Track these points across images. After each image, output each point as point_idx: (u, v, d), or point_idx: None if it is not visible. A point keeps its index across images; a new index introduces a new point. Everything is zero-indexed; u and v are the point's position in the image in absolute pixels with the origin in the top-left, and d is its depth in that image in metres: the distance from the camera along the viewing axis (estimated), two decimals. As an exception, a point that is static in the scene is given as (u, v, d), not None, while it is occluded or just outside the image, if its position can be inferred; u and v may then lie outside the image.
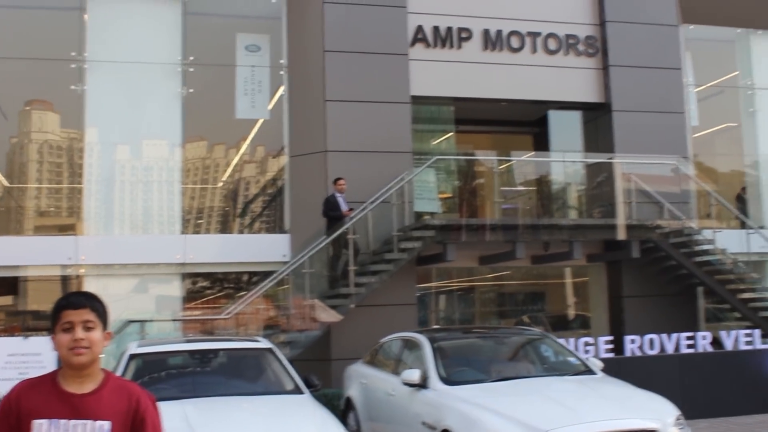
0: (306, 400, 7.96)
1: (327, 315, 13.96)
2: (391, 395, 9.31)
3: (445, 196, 17.38)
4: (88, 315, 3.08)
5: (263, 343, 9.12)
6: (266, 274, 14.74)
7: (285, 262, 15.04)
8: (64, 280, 16.05)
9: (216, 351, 8.88)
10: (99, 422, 3.02)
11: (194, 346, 9.05)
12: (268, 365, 8.64)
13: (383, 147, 15.60)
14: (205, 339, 10.46)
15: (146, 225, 16.35)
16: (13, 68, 15.81)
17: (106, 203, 16.22)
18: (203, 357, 8.63)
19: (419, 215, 15.49)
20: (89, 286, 15.46)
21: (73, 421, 3.00)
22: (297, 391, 8.20)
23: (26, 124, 17.26)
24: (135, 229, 16.27)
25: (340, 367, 12.54)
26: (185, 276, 15.92)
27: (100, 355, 3.11)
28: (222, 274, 17.01)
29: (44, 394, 3.07)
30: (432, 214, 15.79)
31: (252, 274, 16.23)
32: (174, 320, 14.62)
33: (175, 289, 15.74)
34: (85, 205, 16.11)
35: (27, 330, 15.28)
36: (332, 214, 14.47)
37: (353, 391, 10.75)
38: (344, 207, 14.54)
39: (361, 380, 10.61)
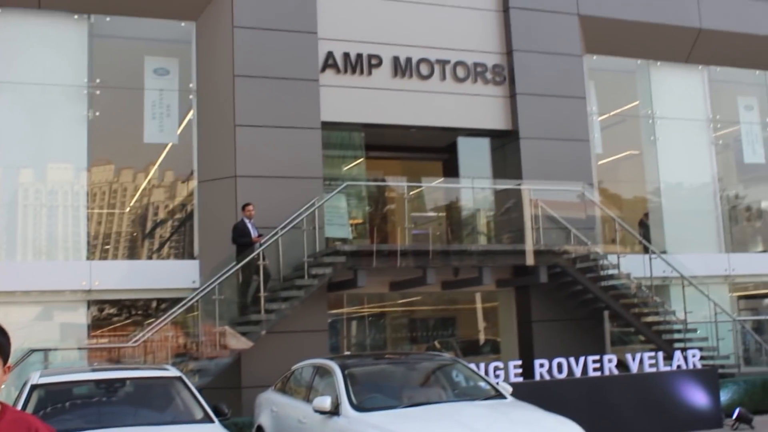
0: (215, 429, 7.83)
1: (237, 342, 13.79)
2: (303, 423, 9.21)
3: (356, 222, 17.42)
4: None
5: (171, 371, 8.94)
6: (175, 301, 14.49)
7: (194, 289, 14.81)
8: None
9: (123, 380, 8.65)
10: None
11: (100, 375, 8.79)
12: (176, 394, 8.47)
13: (294, 172, 15.58)
14: (112, 368, 10.19)
15: (51, 251, 15.86)
16: None
17: (9, 228, 15.69)
18: (109, 386, 8.40)
19: (330, 241, 15.49)
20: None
21: None
22: (207, 419, 8.05)
23: None
24: (39, 255, 15.77)
25: (250, 395, 12.39)
26: (91, 303, 15.50)
27: None
28: (130, 301, 16.63)
29: None
30: (343, 240, 15.83)
31: (160, 300, 15.90)
32: (79, 348, 14.20)
33: (81, 316, 15.29)
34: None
35: None
36: (241, 241, 14.35)
37: (264, 419, 10.61)
38: (254, 233, 14.43)
39: (272, 408, 10.49)
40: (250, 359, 14.11)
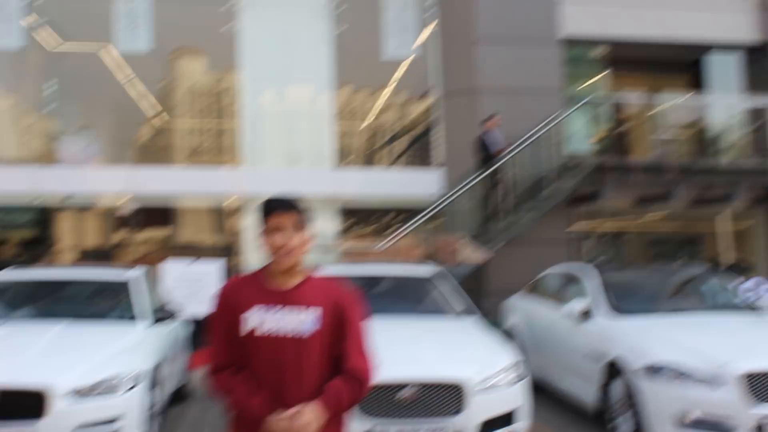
0: (476, 322, 8.15)
1: (474, 253, 14.08)
2: (555, 326, 9.38)
3: (597, 138, 17.10)
4: (292, 218, 3.21)
5: (431, 269, 9.33)
6: (417, 210, 14.97)
7: (438, 198, 15.20)
8: (218, 211, 16.78)
9: (393, 276, 9.21)
10: (305, 314, 3.19)
11: (368, 271, 9.34)
12: (437, 289, 8.85)
13: (535, 86, 15.47)
14: (379, 263, 10.75)
15: (298, 160, 16.79)
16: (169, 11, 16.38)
17: (260, 139, 16.72)
18: (380, 281, 8.92)
19: (571, 156, 15.34)
20: (243, 217, 16.09)
21: (280, 312, 3.19)
22: (466, 314, 8.40)
23: (178, 65, 17.95)
24: (288, 163, 16.74)
25: (494, 300, 12.70)
26: (336, 211, 16.29)
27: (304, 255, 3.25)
28: (372, 210, 17.33)
29: (253, 287, 3.26)
30: (583, 155, 15.60)
31: (402, 210, 16.47)
32: (329, 251, 14.98)
33: (326, 223, 16.15)
34: (240, 140, 16.69)
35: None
36: (485, 152, 14.48)
37: (514, 321, 10.87)
38: (497, 144, 14.53)
39: (523, 311, 10.73)
40: (494, 267, 14.39)
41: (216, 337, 3.27)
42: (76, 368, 6.53)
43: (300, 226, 3.22)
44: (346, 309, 3.26)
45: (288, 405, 3.11)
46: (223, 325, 3.24)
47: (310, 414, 3.07)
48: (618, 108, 17.51)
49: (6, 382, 6.26)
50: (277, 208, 3.22)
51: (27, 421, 6.11)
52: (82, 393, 6.32)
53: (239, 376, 3.20)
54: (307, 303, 3.20)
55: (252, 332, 3.16)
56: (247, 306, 3.19)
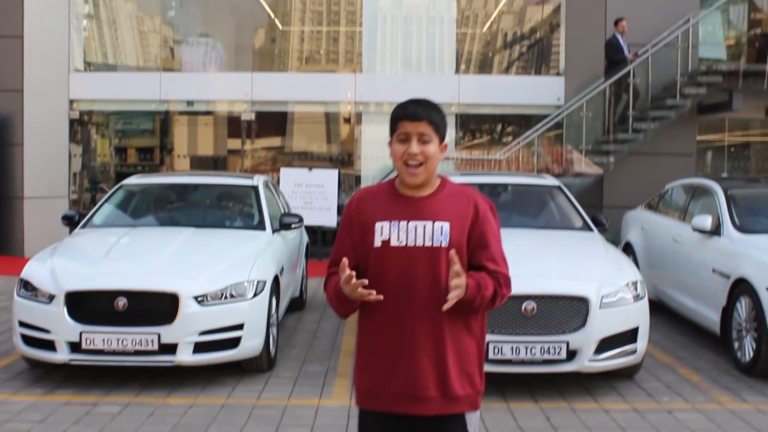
0: (596, 237, 7.98)
1: (590, 168, 13.76)
2: (678, 241, 9.09)
3: (732, 42, 16.23)
4: (424, 127, 3.01)
5: (551, 180, 9.14)
6: (539, 118, 14.64)
7: (559, 106, 14.83)
8: (335, 118, 16.85)
9: (510, 184, 9.10)
10: (438, 223, 3.01)
11: (495, 179, 9.25)
12: (557, 202, 8.69)
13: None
14: (498, 174, 10.64)
15: (420, 65, 16.61)
16: None
17: (378, 44, 16.58)
18: (494, 190, 8.80)
19: (703, 61, 14.63)
20: (365, 123, 16.10)
21: (413, 222, 3.01)
22: (586, 228, 8.22)
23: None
24: (409, 69, 16.58)
25: (612, 214, 12.37)
26: (457, 116, 16.10)
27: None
28: (492, 116, 17.07)
29: (383, 198, 3.12)
30: (717, 60, 14.85)
31: (524, 117, 16.15)
32: (449, 158, 14.87)
33: (448, 129, 15.98)
34: (362, 45, 16.58)
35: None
36: (615, 58, 13.96)
37: (633, 236, 10.61)
38: (626, 50, 13.97)
39: (643, 225, 10.44)
40: (613, 179, 14.05)
41: (340, 248, 3.16)
42: (203, 274, 6.70)
43: (434, 135, 3.02)
44: (482, 217, 3.07)
45: (421, 318, 2.99)
46: (351, 237, 3.13)
47: (463, 279, 2.89)
48: (754, 8, 16.55)
49: (139, 285, 6.49)
50: (405, 116, 3.03)
51: (156, 327, 6.34)
52: (209, 299, 6.51)
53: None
54: (442, 213, 3.03)
55: (385, 244, 3.02)
56: (379, 218, 3.05)
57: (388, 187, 3.16)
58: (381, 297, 2.93)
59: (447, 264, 2.94)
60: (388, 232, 3.02)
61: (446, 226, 3.00)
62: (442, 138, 3.07)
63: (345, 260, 2.92)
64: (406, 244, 3.00)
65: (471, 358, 3.09)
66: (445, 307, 2.88)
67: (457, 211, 3.05)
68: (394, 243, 3.01)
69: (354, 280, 2.89)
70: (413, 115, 3.01)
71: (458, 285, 2.87)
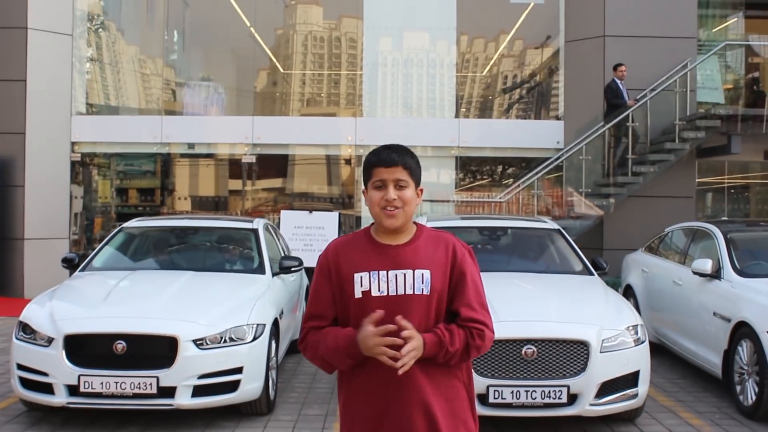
0: (596, 280, 7.97)
1: (590, 211, 13.79)
2: (678, 284, 9.09)
3: (730, 86, 16.34)
4: (399, 173, 2.96)
5: (550, 224, 9.15)
6: (539, 161, 14.69)
7: (558, 149, 14.91)
8: (339, 159, 16.91)
9: (509, 228, 9.09)
10: (419, 270, 2.95)
11: (494, 223, 9.26)
12: (557, 245, 8.69)
13: (665, 32, 14.79)
14: (497, 217, 10.64)
15: (420, 108, 16.72)
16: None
17: (382, 88, 16.70)
18: (493, 234, 8.82)
19: (701, 105, 14.73)
20: (360, 168, 16.13)
21: (393, 271, 2.96)
22: (586, 271, 8.22)
23: (295, 15, 18.06)
24: (409, 112, 16.69)
25: (612, 256, 12.40)
26: (457, 159, 16.17)
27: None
28: (493, 159, 17.16)
29: (359, 248, 3.05)
30: (715, 104, 14.95)
31: (523, 160, 16.23)
32: (449, 201, 14.92)
33: (447, 172, 16.06)
34: (362, 89, 16.70)
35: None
36: (614, 102, 14.06)
37: (634, 279, 10.61)
38: (625, 95, 14.09)
39: (643, 268, 10.44)
40: (613, 222, 14.06)
41: (319, 300, 3.09)
42: (202, 318, 6.69)
43: (410, 180, 2.99)
44: (460, 262, 3.02)
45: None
46: (330, 287, 3.05)
47: (417, 340, 2.83)
48: (752, 52, 16.69)
49: (138, 329, 6.47)
50: (380, 163, 2.99)
51: (154, 370, 6.31)
52: (208, 342, 6.49)
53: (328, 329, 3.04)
54: (422, 260, 2.97)
55: (366, 294, 2.95)
56: (356, 268, 2.98)
57: (363, 235, 3.10)
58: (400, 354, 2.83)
59: (428, 312, 2.94)
60: (368, 282, 2.96)
61: (427, 273, 2.96)
62: (417, 183, 3.04)
63: (380, 312, 2.86)
64: (388, 293, 2.94)
65: (462, 403, 3.04)
66: (400, 372, 2.81)
67: (436, 259, 3.00)
68: (375, 293, 2.95)
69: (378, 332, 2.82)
70: (387, 161, 2.97)
71: (412, 348, 2.80)
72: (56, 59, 15.17)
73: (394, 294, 2.94)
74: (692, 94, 14.45)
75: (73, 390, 6.33)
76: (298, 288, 9.64)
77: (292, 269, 8.62)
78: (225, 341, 6.58)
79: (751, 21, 16.95)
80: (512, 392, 6.19)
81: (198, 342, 6.44)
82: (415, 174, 3.02)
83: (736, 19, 16.93)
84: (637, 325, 6.74)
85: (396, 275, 2.95)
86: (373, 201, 2.99)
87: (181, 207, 17.61)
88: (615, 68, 14.17)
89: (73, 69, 15.57)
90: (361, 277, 2.96)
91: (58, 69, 15.22)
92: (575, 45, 15.48)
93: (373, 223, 3.09)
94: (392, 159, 2.97)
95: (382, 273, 2.96)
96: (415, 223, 3.10)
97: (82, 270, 8.26)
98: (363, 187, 3.05)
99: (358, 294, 2.97)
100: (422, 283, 2.94)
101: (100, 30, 17.16)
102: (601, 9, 14.89)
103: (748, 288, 7.76)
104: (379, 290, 2.95)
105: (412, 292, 2.94)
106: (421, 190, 3.07)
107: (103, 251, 8.58)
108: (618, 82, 14.10)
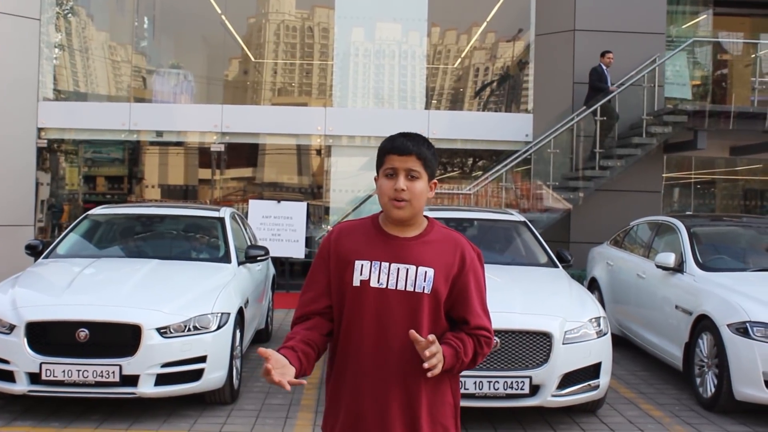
0: (561, 273, 8.03)
1: (558, 204, 13.88)
2: (642, 278, 9.19)
3: (697, 82, 16.50)
4: (412, 162, 2.81)
5: (516, 216, 9.21)
6: (507, 153, 14.76)
7: (527, 142, 14.98)
8: (309, 149, 16.88)
9: (476, 220, 9.16)
10: (422, 268, 2.84)
11: (457, 214, 9.30)
12: (523, 237, 8.74)
13: (634, 27, 14.93)
14: (469, 209, 10.70)
15: (391, 99, 16.71)
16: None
17: (353, 78, 16.67)
18: (460, 225, 8.84)
19: (669, 100, 14.86)
20: (335, 156, 16.13)
21: (395, 264, 2.85)
22: (551, 264, 8.28)
23: (267, 4, 18.00)
24: (380, 103, 16.68)
25: (579, 249, 12.50)
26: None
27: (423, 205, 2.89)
28: (461, 152, 17.19)
29: (365, 235, 2.94)
30: (682, 100, 15.09)
31: (492, 152, 16.29)
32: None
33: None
34: (333, 79, 16.66)
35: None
36: (598, 85, 14.10)
37: (598, 272, 10.70)
38: (609, 80, 14.16)
39: (608, 261, 10.53)
40: (580, 215, 14.17)
41: (313, 288, 2.99)
42: (166, 306, 6.66)
43: (423, 171, 2.84)
44: (468, 267, 2.89)
45: (394, 363, 2.82)
46: (326, 274, 2.95)
47: (440, 355, 2.72)
48: (720, 49, 16.86)
49: (101, 316, 6.43)
50: (393, 150, 2.84)
51: (117, 358, 6.28)
52: (172, 330, 6.47)
53: (309, 322, 2.96)
54: (427, 258, 2.85)
55: (364, 283, 2.84)
56: (359, 256, 2.87)
57: (370, 223, 2.98)
58: (304, 382, 2.79)
59: (428, 311, 2.84)
60: (368, 272, 2.85)
61: (430, 272, 2.84)
62: (431, 175, 2.88)
63: (268, 352, 2.68)
64: (387, 286, 2.84)
65: (447, 410, 2.95)
66: (430, 375, 2.72)
67: (443, 259, 2.88)
68: (373, 284, 2.84)
69: (271, 375, 2.65)
70: (401, 148, 2.82)
71: (436, 362, 2.71)
72: (23, 44, 15.00)
73: (393, 288, 2.84)
74: (660, 89, 14.57)
75: (34, 378, 6.28)
76: (264, 277, 9.63)
77: (258, 258, 8.61)
78: (189, 330, 6.56)
79: (720, 18, 17.11)
80: (475, 383, 6.23)
81: (162, 330, 6.41)
82: (430, 165, 2.87)
83: (705, 16, 17.06)
84: (599, 318, 6.80)
85: (398, 269, 2.85)
86: (382, 190, 2.86)
87: (150, 195, 17.50)
88: (603, 54, 14.24)
89: (41, 54, 15.39)
90: (362, 265, 2.86)
91: (25, 54, 15.04)
92: (545, 39, 15.56)
93: (381, 211, 2.95)
94: (407, 147, 2.82)
95: (384, 264, 2.85)
96: (426, 217, 2.97)
97: (46, 257, 8.20)
98: (375, 174, 2.92)
99: (356, 282, 2.86)
100: (424, 281, 2.84)
101: (70, 15, 16.97)
102: (571, 3, 14.98)
103: (709, 282, 7.86)
104: (378, 282, 2.85)
105: (412, 289, 2.84)
106: (435, 184, 2.93)
107: (67, 238, 8.51)
108: (603, 67, 14.18)
